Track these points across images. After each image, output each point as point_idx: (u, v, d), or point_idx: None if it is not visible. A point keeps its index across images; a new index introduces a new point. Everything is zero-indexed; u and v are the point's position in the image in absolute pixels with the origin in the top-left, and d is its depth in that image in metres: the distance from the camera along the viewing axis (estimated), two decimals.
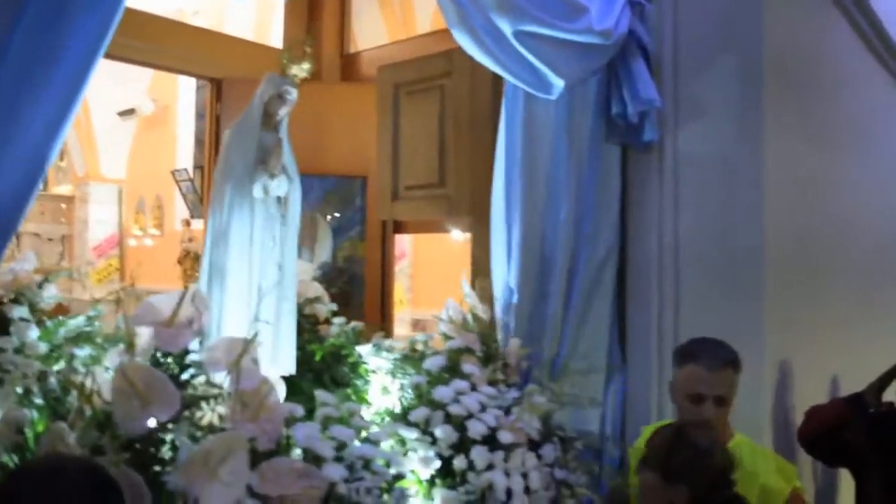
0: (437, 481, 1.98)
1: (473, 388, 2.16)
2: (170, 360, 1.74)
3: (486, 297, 2.62)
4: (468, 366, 2.22)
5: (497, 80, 3.04)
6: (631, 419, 2.66)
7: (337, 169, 4.45)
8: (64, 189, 14.72)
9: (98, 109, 13.02)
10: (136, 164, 13.57)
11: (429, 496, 1.93)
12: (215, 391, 1.69)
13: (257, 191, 2.16)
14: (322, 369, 2.38)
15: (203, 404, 1.65)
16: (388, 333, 4.48)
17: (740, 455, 1.89)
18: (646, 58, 2.57)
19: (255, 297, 2.10)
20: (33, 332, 1.91)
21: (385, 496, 1.80)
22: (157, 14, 4.23)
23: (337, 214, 4.55)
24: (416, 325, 9.65)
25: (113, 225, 13.80)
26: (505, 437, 2.08)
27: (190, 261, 10.05)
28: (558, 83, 2.37)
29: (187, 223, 11.05)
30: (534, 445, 2.17)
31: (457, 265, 9.00)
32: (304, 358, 2.32)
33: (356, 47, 4.76)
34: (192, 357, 1.79)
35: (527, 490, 2.06)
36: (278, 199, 2.23)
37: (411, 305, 9.76)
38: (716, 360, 2.06)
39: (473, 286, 2.79)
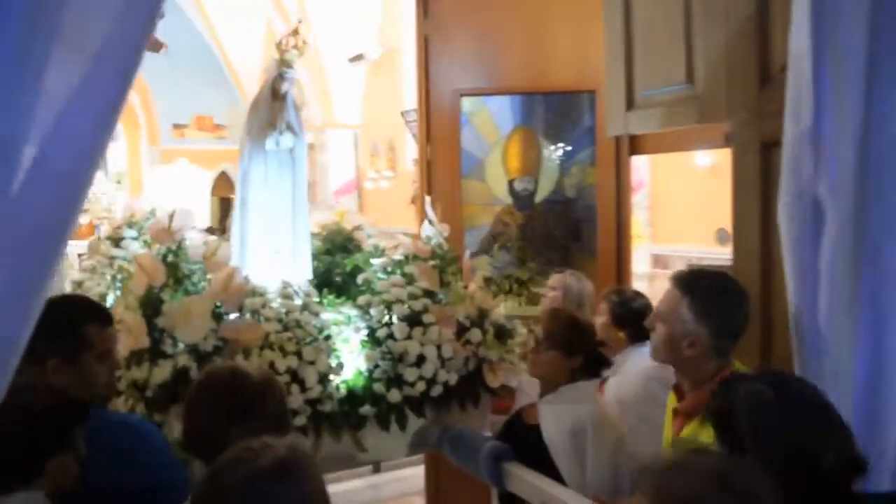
0: (367, 345, 2.73)
1: (412, 281, 2.84)
2: (169, 253, 2.67)
3: None
4: (409, 266, 2.91)
5: None
6: None
7: (561, 84, 3.89)
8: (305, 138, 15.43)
9: (329, 58, 13.36)
10: (368, 108, 13.83)
11: (359, 354, 2.71)
12: (196, 271, 2.67)
13: (270, 144, 2.85)
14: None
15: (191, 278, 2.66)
16: (625, 270, 3.91)
17: None
18: None
19: (272, 222, 2.86)
20: (136, 245, 2.89)
21: (307, 347, 2.57)
22: None
23: (563, 143, 4.00)
24: (658, 261, 8.91)
25: (351, 169, 14.24)
26: (426, 318, 2.76)
27: (421, 200, 10.01)
28: None
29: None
30: (463, 329, 2.85)
31: (700, 195, 8.10)
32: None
33: None
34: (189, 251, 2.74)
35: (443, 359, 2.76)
36: (290, 150, 2.90)
37: (651, 240, 8.98)
38: (673, 277, 2.09)
39: (737, 212, 2.49)
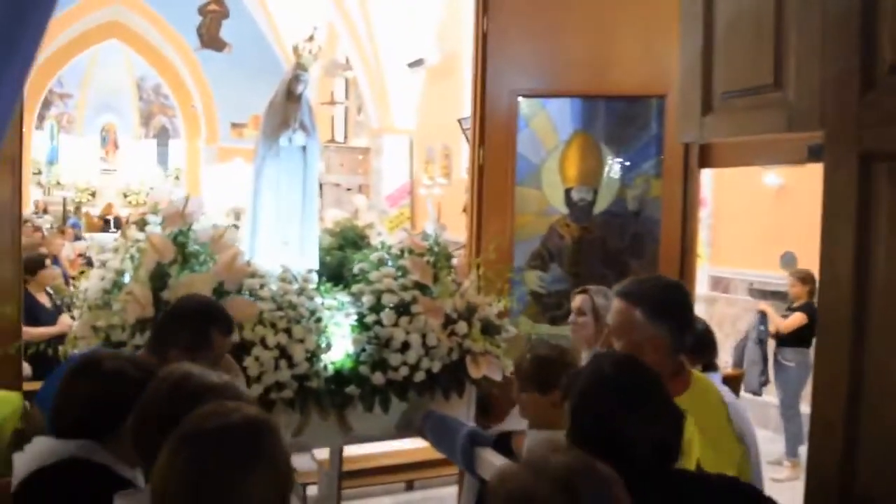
0: (356, 330, 2.89)
1: (405, 274, 2.99)
2: (181, 235, 2.84)
3: None
4: (403, 260, 3.05)
5: None
6: None
7: (626, 87, 3.60)
8: (361, 142, 15.36)
9: (389, 63, 13.26)
10: (424, 114, 13.69)
11: (348, 338, 2.86)
12: (201, 252, 2.84)
13: (283, 141, 3.07)
14: None
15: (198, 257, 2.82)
16: (689, 290, 3.60)
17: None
18: None
19: (282, 214, 3.08)
20: (158, 230, 2.89)
21: (297, 326, 2.74)
22: None
23: (626, 151, 3.71)
24: (717, 283, 8.48)
25: (405, 175, 14.09)
26: (415, 308, 2.90)
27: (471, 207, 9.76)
28: None
29: None
30: (450, 321, 2.98)
31: (766, 216, 7.68)
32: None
33: None
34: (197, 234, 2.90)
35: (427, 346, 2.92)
36: (303, 148, 3.13)
37: (710, 261, 8.56)
38: (618, 293, 2.16)
39: (827, 238, 2.14)
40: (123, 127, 21.38)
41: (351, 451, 4.44)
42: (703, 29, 2.54)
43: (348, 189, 14.59)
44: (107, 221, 17.89)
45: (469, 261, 3.27)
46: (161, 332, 2.30)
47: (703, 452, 1.89)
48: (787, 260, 7.22)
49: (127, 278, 2.84)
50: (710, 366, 2.77)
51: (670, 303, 2.11)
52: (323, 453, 4.43)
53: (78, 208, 19.05)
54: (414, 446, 4.64)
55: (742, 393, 6.11)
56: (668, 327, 2.07)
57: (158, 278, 2.71)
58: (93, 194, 20.35)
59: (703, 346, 2.71)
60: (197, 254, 2.83)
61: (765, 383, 6.31)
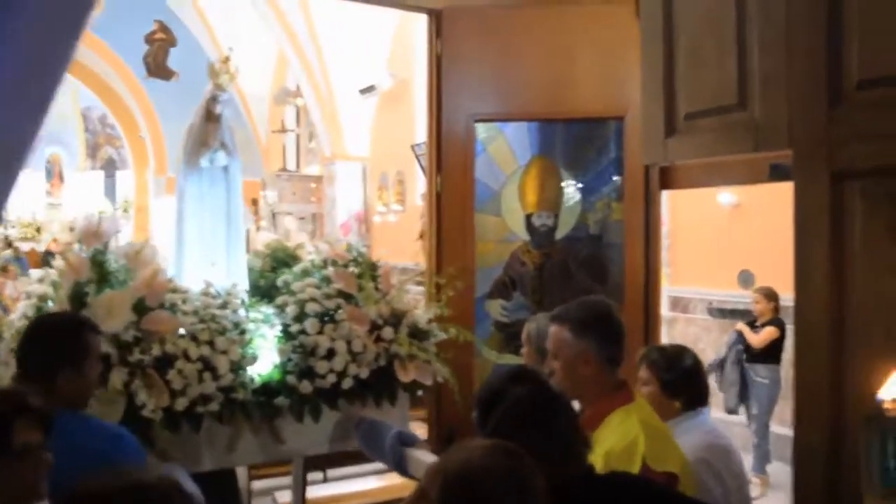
0: (281, 340, 2.91)
1: (329, 284, 3.04)
2: (98, 253, 2.82)
3: None
4: (329, 269, 3.09)
5: None
6: None
7: (585, 110, 3.54)
8: (313, 169, 15.18)
9: (340, 89, 13.14)
10: (377, 140, 13.58)
11: (274, 349, 2.88)
12: (120, 270, 2.81)
13: (204, 162, 3.08)
14: None
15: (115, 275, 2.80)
16: (654, 314, 3.53)
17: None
18: None
19: (206, 236, 3.08)
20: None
21: (220, 338, 2.73)
22: None
23: (586, 175, 3.64)
24: (676, 304, 8.49)
25: (359, 202, 13.94)
26: (339, 315, 2.95)
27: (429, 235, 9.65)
28: None
29: None
30: (376, 327, 3.00)
31: (723, 235, 7.72)
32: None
33: None
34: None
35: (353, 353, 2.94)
36: (225, 168, 3.14)
37: (669, 281, 8.57)
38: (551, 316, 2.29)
39: (800, 258, 2.11)
40: (69, 159, 20.85)
41: (315, 492, 4.26)
42: (664, 49, 2.49)
43: (301, 218, 14.38)
44: (46, 257, 17.35)
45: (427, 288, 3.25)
46: (36, 359, 2.19)
47: (648, 447, 1.98)
48: (745, 278, 7.26)
49: (50, 304, 2.80)
50: (696, 400, 2.58)
51: (591, 317, 2.20)
52: (285, 496, 4.24)
53: (11, 244, 18.44)
54: (380, 485, 4.48)
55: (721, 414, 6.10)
56: (593, 341, 2.16)
57: (77, 298, 2.69)
58: (38, 230, 19.76)
59: (689, 382, 2.54)
60: (116, 272, 2.82)
61: (742, 403, 6.31)
